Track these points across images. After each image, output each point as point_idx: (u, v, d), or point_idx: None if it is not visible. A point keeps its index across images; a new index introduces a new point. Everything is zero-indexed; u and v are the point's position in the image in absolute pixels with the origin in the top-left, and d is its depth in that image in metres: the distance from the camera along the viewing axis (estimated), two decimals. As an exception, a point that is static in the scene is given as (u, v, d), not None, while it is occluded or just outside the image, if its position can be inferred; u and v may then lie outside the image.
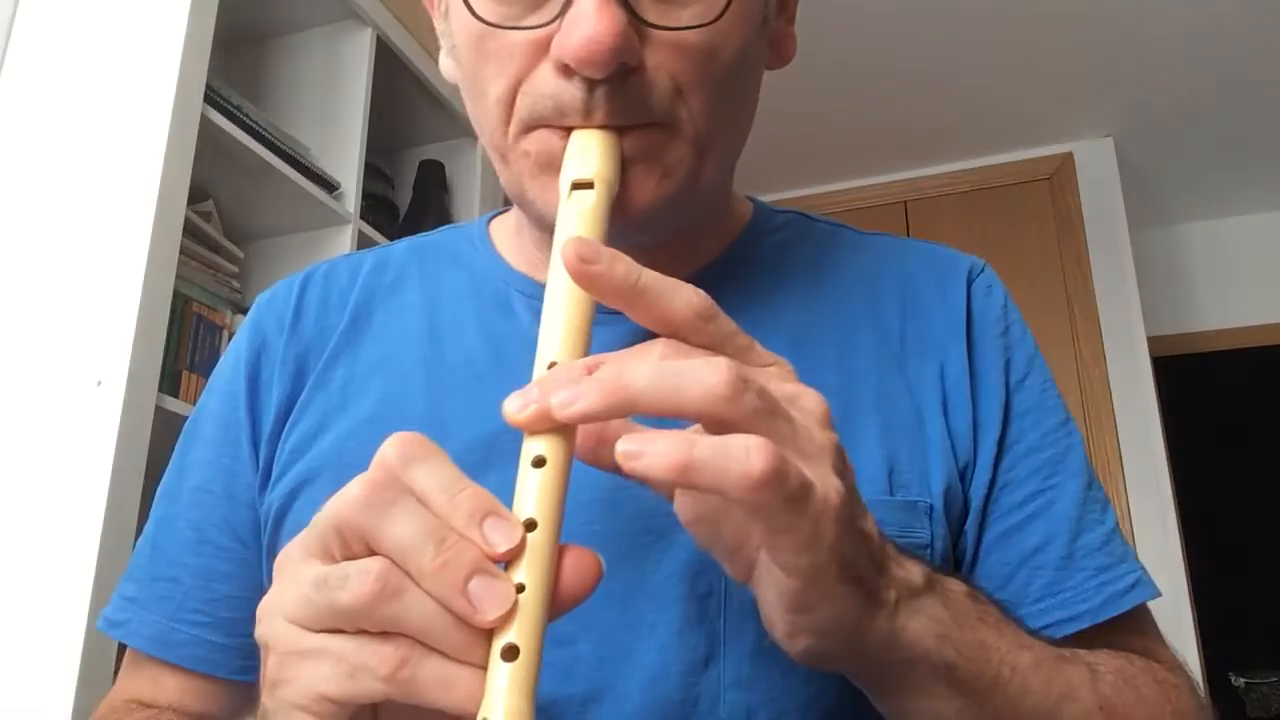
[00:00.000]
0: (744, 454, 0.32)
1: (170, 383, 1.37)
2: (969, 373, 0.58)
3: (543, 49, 0.48)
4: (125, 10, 1.39)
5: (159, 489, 0.64)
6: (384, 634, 0.33)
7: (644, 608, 0.50)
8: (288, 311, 0.63)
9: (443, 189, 2.11)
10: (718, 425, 0.34)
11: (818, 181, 3.29)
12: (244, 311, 1.60)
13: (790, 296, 0.60)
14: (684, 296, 0.37)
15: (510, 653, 0.33)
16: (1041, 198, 3.06)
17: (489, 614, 0.32)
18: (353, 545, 0.34)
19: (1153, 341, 2.93)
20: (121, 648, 0.63)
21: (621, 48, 0.45)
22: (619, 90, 0.47)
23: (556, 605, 0.35)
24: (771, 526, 0.35)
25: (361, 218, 1.78)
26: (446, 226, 0.70)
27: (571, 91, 0.47)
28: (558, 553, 0.35)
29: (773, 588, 0.38)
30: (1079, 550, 0.55)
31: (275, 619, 0.36)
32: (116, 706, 0.60)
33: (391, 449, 0.35)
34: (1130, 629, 0.55)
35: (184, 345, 1.42)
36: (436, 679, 0.33)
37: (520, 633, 0.33)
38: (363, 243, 1.77)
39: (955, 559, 0.56)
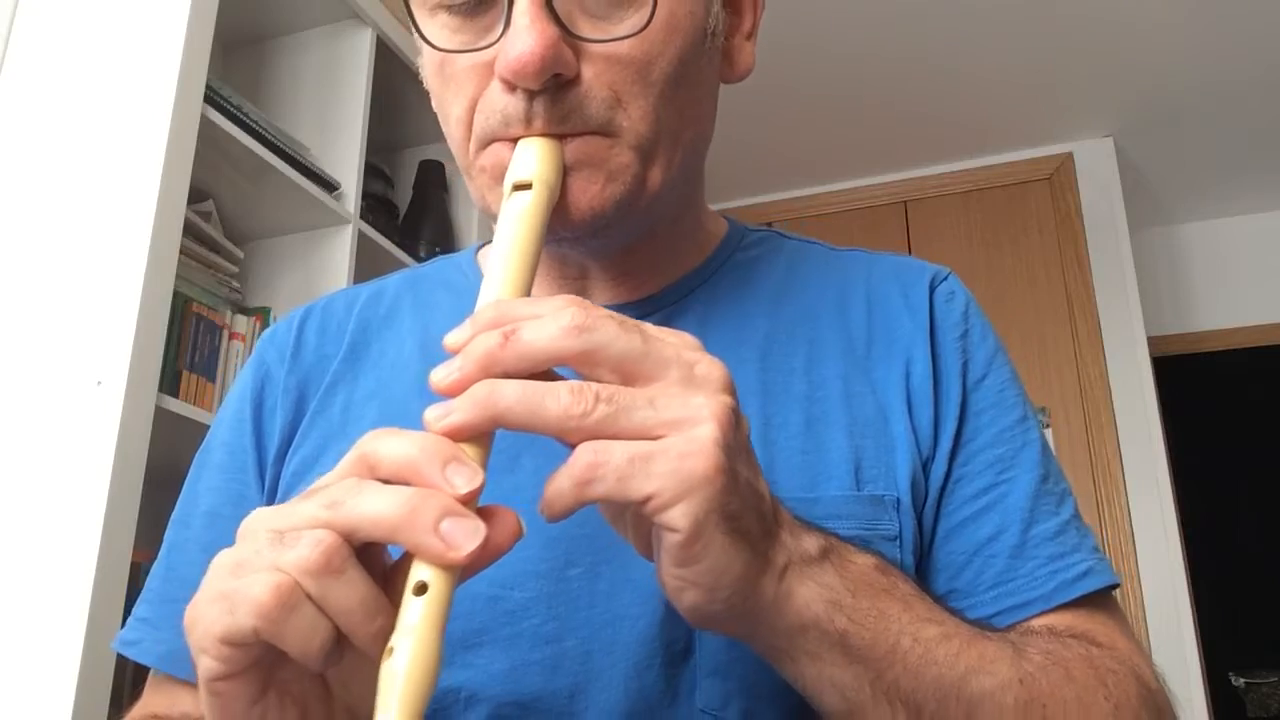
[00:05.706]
0: (569, 474, 0.37)
1: (170, 383, 1.37)
2: (932, 373, 0.61)
3: (492, 69, 0.53)
4: (125, 10, 1.39)
5: (171, 517, 0.66)
6: (270, 574, 0.35)
7: (627, 602, 0.53)
8: (288, 344, 0.67)
9: (443, 189, 2.11)
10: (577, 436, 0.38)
11: (818, 181, 3.30)
12: (244, 312, 1.60)
13: (760, 308, 0.64)
14: (552, 325, 0.39)
15: (420, 589, 0.35)
16: (1041, 198, 3.06)
17: (465, 548, 0.35)
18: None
19: (1153, 341, 2.93)
20: (122, 661, 0.64)
21: (551, 60, 0.50)
22: (557, 99, 0.52)
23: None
24: (635, 499, 0.37)
25: (361, 218, 1.78)
26: (438, 258, 0.74)
27: (515, 104, 0.52)
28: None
29: (663, 547, 0.40)
30: (1031, 540, 0.57)
31: (216, 568, 0.38)
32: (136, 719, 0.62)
33: (356, 447, 0.39)
34: (1086, 616, 0.56)
35: (184, 345, 1.42)
36: (304, 628, 0.35)
37: (431, 572, 0.36)
38: (362, 243, 1.77)
39: (922, 546, 0.58)
